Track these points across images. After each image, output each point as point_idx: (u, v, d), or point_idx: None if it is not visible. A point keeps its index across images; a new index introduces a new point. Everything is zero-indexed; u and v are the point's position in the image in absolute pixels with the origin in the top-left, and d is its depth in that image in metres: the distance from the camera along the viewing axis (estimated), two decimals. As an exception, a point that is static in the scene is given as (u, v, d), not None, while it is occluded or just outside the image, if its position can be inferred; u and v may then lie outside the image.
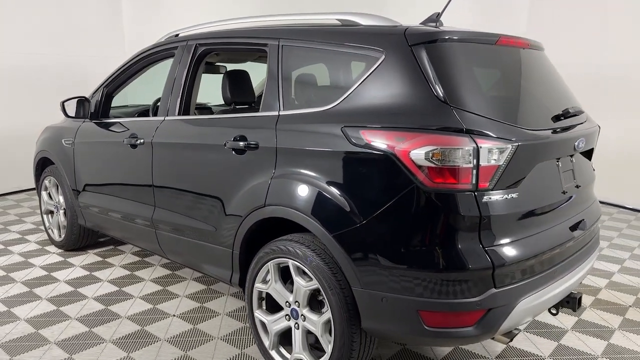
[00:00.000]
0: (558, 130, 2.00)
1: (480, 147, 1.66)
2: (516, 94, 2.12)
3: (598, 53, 5.44)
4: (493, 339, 1.94)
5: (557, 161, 2.01)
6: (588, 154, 2.37)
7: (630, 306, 3.01)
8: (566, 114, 2.04)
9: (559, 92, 2.25)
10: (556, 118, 2.03)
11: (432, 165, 1.68)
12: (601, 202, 5.48)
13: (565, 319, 2.80)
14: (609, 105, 5.33)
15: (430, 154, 1.68)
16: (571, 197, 2.08)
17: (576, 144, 2.03)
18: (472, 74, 1.89)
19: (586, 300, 3.08)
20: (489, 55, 2.04)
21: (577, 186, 2.13)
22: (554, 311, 2.17)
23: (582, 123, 2.20)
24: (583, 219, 2.15)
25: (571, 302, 2.12)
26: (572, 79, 5.35)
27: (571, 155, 2.10)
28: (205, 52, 2.70)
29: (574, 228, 2.06)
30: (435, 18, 2.12)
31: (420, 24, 2.14)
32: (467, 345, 2.49)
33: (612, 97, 5.30)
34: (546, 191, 1.94)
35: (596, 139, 2.35)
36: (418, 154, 1.69)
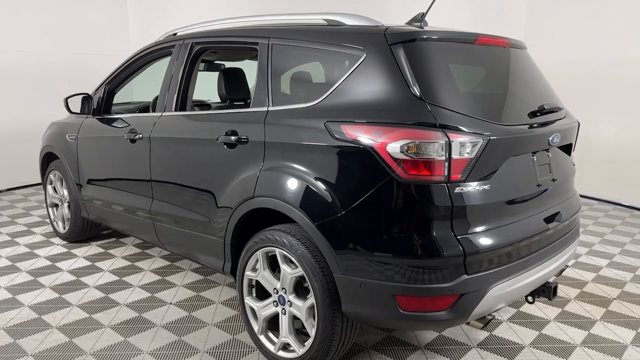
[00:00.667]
0: (533, 125, 2.08)
1: (452, 141, 1.75)
2: (492, 91, 2.21)
3: (595, 51, 5.49)
4: (468, 324, 2.03)
5: (533, 155, 2.10)
6: (568, 149, 2.45)
7: (614, 299, 3.09)
8: (542, 110, 2.13)
9: (538, 89, 2.33)
10: (532, 114, 2.12)
11: (407, 158, 1.78)
12: (597, 200, 5.56)
13: (548, 310, 2.88)
14: (607, 103, 5.39)
15: (406, 148, 1.78)
16: (546, 189, 2.17)
17: (550, 139, 2.12)
18: (449, 72, 1.98)
19: (571, 292, 3.16)
20: (468, 54, 2.13)
21: (554, 179, 2.22)
22: (530, 299, 2.25)
23: (559, 119, 2.29)
24: (559, 212, 2.23)
25: (547, 291, 2.20)
26: (571, 77, 5.40)
27: (547, 150, 2.18)
28: (200, 51, 2.82)
29: (549, 220, 2.15)
30: (420, 18, 2.21)
31: (405, 23, 2.24)
32: (449, 332, 2.58)
33: (610, 94, 5.36)
34: (520, 183, 2.03)
35: (575, 134, 2.43)
36: (394, 148, 1.79)
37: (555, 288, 2.21)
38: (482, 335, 2.59)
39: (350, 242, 1.91)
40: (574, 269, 3.58)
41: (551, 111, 2.21)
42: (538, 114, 2.12)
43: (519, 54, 2.34)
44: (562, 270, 2.46)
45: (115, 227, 3.68)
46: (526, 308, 2.89)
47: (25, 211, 5.03)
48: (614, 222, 4.85)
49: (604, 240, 4.29)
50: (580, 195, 2.59)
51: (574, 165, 2.52)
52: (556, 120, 2.25)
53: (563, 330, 2.66)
